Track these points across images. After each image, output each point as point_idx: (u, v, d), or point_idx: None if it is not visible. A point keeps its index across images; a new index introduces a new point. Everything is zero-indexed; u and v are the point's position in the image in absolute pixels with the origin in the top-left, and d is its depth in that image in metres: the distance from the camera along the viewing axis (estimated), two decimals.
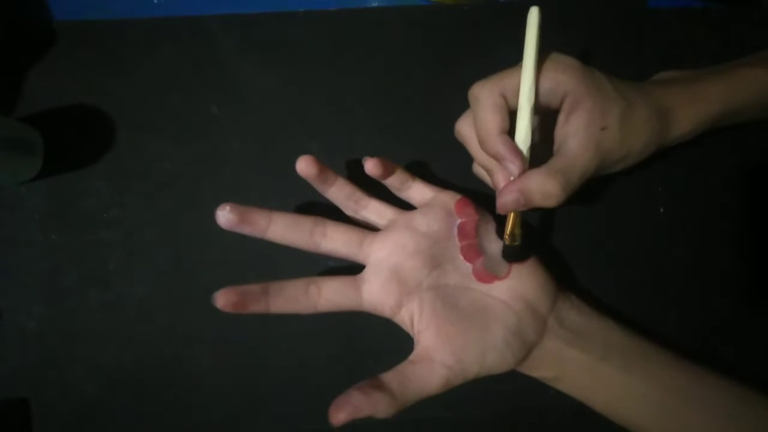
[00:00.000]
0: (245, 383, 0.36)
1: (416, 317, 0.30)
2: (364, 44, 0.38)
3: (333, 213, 0.32)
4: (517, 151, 0.28)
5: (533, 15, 0.28)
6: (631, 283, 0.37)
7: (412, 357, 0.29)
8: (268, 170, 0.37)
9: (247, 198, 0.36)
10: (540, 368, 0.31)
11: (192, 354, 0.36)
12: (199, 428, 0.36)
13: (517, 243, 0.30)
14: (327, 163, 0.36)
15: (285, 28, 0.37)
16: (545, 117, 0.31)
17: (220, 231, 0.36)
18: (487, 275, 0.30)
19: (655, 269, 0.37)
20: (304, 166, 0.30)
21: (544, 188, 0.27)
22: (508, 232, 0.30)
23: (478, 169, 0.33)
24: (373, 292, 0.30)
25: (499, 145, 0.27)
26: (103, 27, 0.37)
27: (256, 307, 0.28)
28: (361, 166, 0.35)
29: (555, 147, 0.29)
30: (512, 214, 0.29)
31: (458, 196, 0.32)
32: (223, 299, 0.27)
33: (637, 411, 0.31)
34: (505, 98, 0.28)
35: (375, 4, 0.38)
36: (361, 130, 0.37)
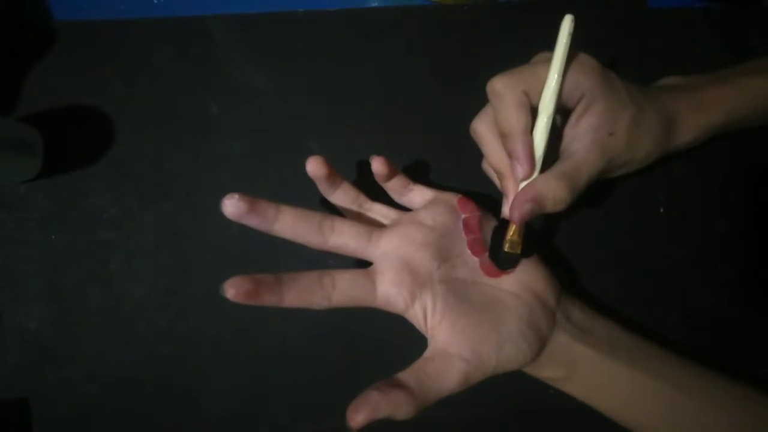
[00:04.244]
0: (245, 383, 0.36)
1: (429, 311, 0.29)
2: (364, 44, 0.38)
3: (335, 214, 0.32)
4: (531, 157, 0.28)
5: (566, 24, 0.28)
6: (631, 283, 0.37)
7: (427, 353, 0.28)
8: (268, 170, 0.37)
9: None
10: (550, 367, 0.31)
11: (192, 354, 0.36)
12: (199, 428, 0.36)
13: (516, 251, 0.30)
14: None
15: (285, 28, 0.37)
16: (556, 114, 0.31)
17: (221, 231, 0.36)
18: (495, 269, 0.30)
19: (655, 269, 0.37)
20: (314, 166, 0.29)
21: (555, 194, 0.27)
22: (508, 239, 0.30)
23: (487, 167, 0.33)
24: (387, 283, 0.28)
25: (519, 144, 0.28)
26: (103, 27, 0.37)
27: (270, 298, 0.26)
28: (362, 168, 0.35)
29: (561, 147, 0.30)
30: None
31: (459, 195, 0.32)
32: (235, 288, 0.25)
33: (644, 410, 0.31)
34: (527, 96, 0.28)
35: (375, 4, 0.38)
36: (361, 130, 0.37)
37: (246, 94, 0.37)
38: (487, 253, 0.31)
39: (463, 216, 0.31)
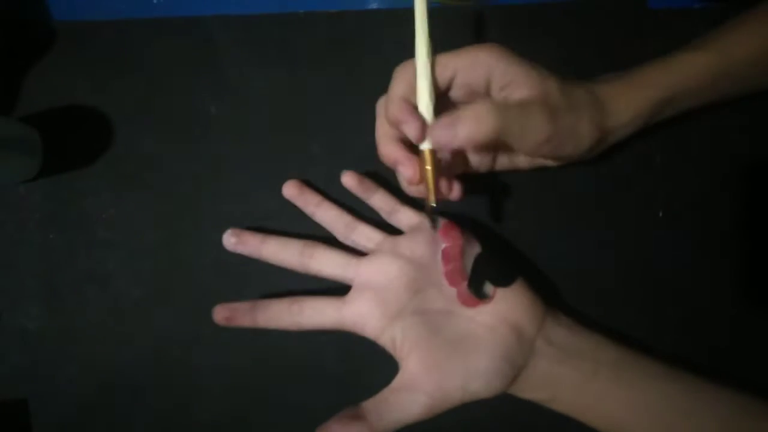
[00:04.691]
0: (245, 383, 0.36)
1: (398, 343, 0.30)
2: (364, 45, 0.38)
3: (329, 233, 0.35)
4: (415, 112, 0.27)
5: None
6: (631, 287, 0.37)
7: (394, 383, 0.30)
8: (267, 171, 0.37)
9: (246, 198, 0.36)
10: (532, 390, 0.31)
11: (191, 354, 0.36)
12: (198, 428, 0.36)
13: (432, 203, 0.28)
14: (327, 165, 0.36)
15: (285, 28, 0.37)
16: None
17: (219, 231, 0.36)
18: (472, 299, 0.30)
19: (654, 273, 0.37)
20: (286, 189, 0.35)
21: (475, 111, 0.26)
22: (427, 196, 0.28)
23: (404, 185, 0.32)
24: (354, 313, 0.30)
25: (395, 108, 0.27)
26: (103, 27, 0.37)
27: (244, 321, 0.32)
28: (360, 169, 0.35)
29: None
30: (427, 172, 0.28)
31: (444, 220, 0.32)
32: (217, 314, 0.33)
33: (632, 425, 0.31)
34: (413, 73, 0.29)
35: (374, 6, 0.38)
36: (361, 131, 0.37)
37: (246, 94, 0.37)
38: (465, 283, 0.30)
39: (444, 246, 0.31)
